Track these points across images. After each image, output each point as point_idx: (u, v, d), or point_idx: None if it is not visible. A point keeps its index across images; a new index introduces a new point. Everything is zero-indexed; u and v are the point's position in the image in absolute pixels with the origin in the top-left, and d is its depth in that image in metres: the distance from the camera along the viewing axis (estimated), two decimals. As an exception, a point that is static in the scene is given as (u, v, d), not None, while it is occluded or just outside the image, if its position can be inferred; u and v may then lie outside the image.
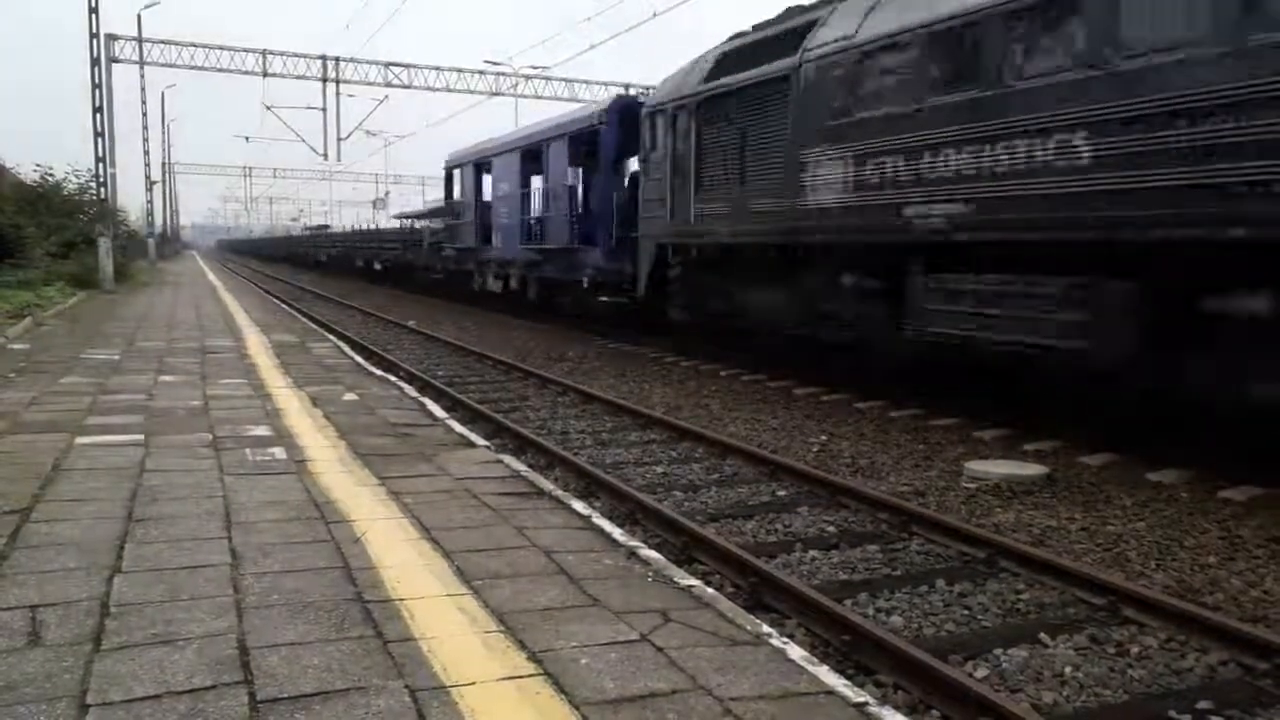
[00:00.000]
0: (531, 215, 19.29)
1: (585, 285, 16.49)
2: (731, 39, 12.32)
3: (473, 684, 2.93)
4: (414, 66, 37.13)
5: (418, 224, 34.07)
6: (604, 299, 16.27)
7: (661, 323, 14.16)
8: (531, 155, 18.84)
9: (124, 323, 16.30)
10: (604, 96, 32.64)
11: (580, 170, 17.63)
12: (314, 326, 16.90)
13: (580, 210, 16.98)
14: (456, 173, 23.82)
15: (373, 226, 48.85)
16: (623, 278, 14.94)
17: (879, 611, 4.52)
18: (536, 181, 19.25)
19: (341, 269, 44.72)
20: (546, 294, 19.05)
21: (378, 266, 35.09)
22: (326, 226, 71.27)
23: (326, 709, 2.74)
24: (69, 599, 3.55)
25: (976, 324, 8.01)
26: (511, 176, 19.80)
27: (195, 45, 34.79)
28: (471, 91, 38.10)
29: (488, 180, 21.88)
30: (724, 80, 11.56)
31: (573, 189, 17.27)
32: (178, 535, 4.35)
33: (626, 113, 15.47)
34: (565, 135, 17.15)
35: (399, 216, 48.77)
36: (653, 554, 4.40)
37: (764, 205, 10.67)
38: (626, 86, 29.10)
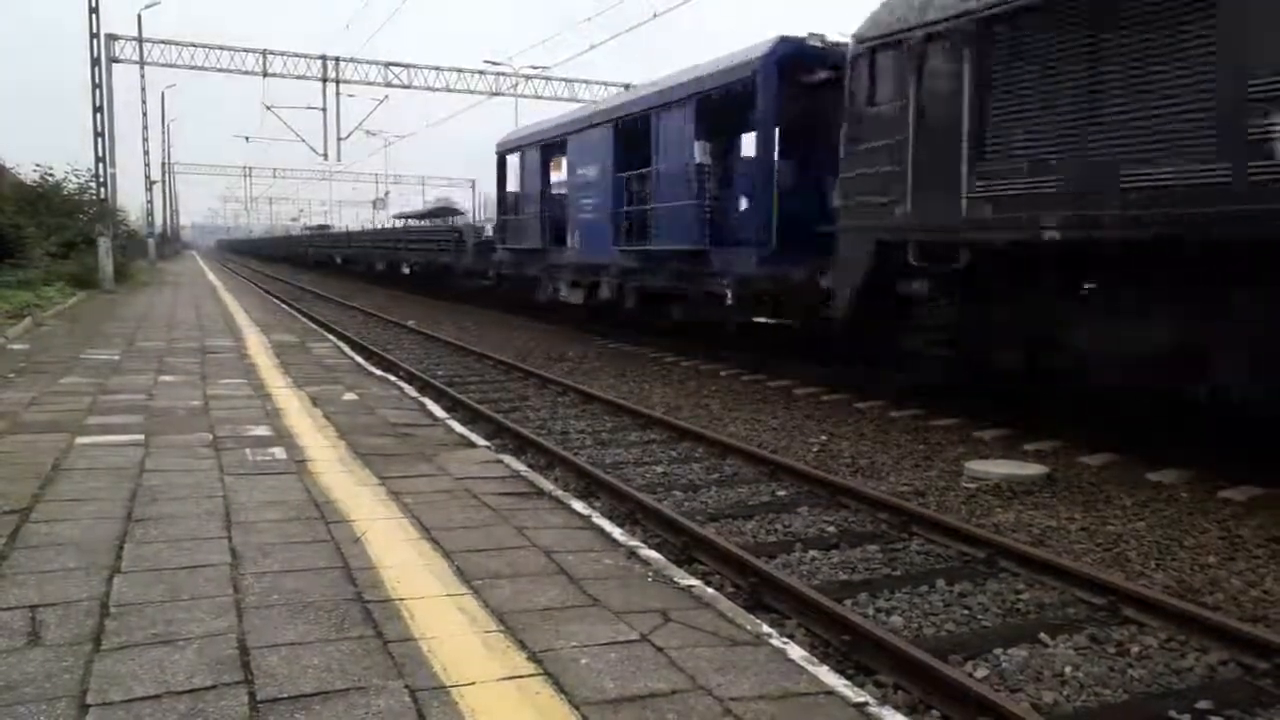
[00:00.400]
0: (632, 207, 14.47)
1: (729, 301, 12.14)
2: None
3: (473, 684, 2.93)
4: (414, 66, 37.24)
5: (458, 222, 32.48)
6: (761, 320, 12.20)
7: (874, 360, 10.29)
8: (631, 129, 14.48)
9: (124, 323, 16.30)
10: (603, 96, 32.65)
11: (709, 145, 13.53)
12: (314, 326, 16.90)
13: (713, 198, 12.83)
14: (513, 159, 19.56)
15: (400, 224, 45.66)
16: (807, 294, 10.73)
17: (879, 611, 4.52)
18: (639, 163, 14.35)
19: (347, 271, 44.02)
20: (652, 308, 14.85)
21: (405, 270, 32.15)
22: (327, 226, 71.17)
23: (326, 709, 2.75)
24: (69, 599, 3.55)
25: None
26: (600, 158, 15.46)
27: (195, 45, 34.94)
28: (471, 91, 38.20)
29: (560, 165, 17.98)
30: None
31: (703, 169, 12.87)
32: (177, 535, 4.35)
33: (791, 61, 11.29)
34: (690, 98, 12.75)
35: (398, 216, 48.63)
36: (653, 554, 4.40)
37: (1156, 176, 6.53)
38: (626, 86, 29.01)
